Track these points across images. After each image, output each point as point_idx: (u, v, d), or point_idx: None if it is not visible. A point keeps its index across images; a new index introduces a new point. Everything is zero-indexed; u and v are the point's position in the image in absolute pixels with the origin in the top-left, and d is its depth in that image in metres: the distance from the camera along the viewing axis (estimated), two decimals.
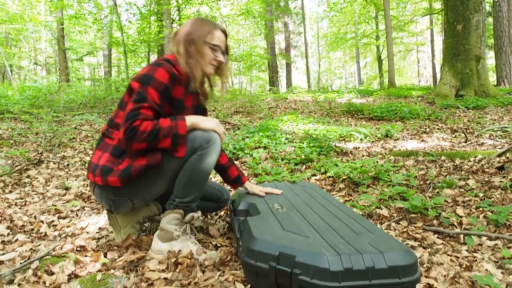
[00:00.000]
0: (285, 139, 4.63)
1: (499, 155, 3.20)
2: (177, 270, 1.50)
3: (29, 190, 2.94)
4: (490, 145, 4.14)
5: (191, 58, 1.65)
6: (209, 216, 2.29)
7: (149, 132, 1.46)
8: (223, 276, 1.46)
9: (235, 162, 3.83)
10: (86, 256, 1.64)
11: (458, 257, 1.63)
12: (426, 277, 1.43)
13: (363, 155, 4.04)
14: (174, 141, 1.51)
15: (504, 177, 2.67)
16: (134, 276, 1.46)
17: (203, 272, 1.51)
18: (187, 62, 1.64)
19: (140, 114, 1.47)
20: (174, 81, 1.59)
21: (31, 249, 1.77)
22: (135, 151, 1.54)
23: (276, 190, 2.05)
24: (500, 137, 4.52)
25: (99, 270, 1.50)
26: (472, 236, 1.81)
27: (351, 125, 6.28)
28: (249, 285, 1.37)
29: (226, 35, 1.75)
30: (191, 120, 1.58)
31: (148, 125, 1.47)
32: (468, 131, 5.13)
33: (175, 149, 1.54)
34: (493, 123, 5.57)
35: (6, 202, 2.60)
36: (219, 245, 1.79)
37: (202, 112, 1.82)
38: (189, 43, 1.65)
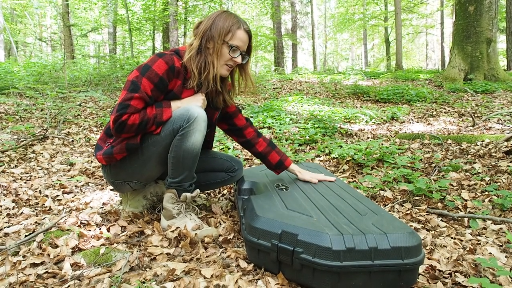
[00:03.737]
0: (290, 120, 4.60)
1: (507, 140, 3.16)
2: (180, 246, 1.51)
3: (34, 165, 2.95)
4: (498, 129, 4.09)
5: (206, 56, 1.57)
6: (212, 194, 2.29)
7: (138, 124, 1.50)
8: (225, 253, 1.47)
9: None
10: (89, 230, 1.66)
11: (461, 240, 1.63)
12: (429, 259, 1.43)
13: (368, 137, 4.02)
14: (158, 127, 1.55)
15: (511, 161, 2.64)
16: (137, 251, 1.47)
17: (206, 248, 1.52)
18: (193, 57, 1.57)
19: (129, 106, 1.48)
20: (172, 73, 1.55)
21: (35, 222, 1.78)
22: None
23: (330, 177, 1.93)
24: (509, 121, 4.46)
25: (103, 244, 1.52)
26: (476, 219, 1.79)
27: (356, 107, 6.22)
28: (251, 264, 1.38)
29: (250, 35, 1.62)
30: (176, 104, 1.58)
31: (136, 118, 1.49)
32: (475, 115, 5.06)
33: None
34: (502, 108, 5.49)
35: (12, 176, 2.61)
36: (222, 222, 1.80)
37: (212, 111, 1.77)
38: (207, 39, 1.57)
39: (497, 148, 3.01)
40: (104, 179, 1.79)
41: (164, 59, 1.53)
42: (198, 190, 1.70)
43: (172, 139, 1.56)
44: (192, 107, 1.56)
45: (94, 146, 3.65)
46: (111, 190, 1.91)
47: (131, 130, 1.51)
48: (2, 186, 2.39)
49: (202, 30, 1.58)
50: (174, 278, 1.26)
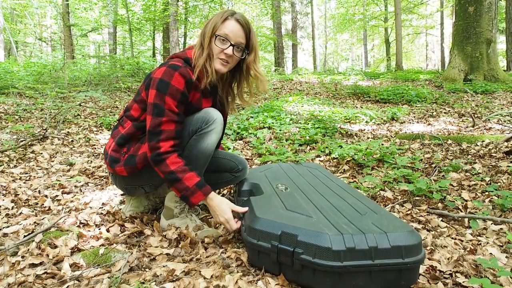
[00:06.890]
0: (290, 120, 4.59)
1: (507, 140, 3.16)
2: (180, 246, 1.50)
3: (33, 165, 2.95)
4: (498, 130, 4.09)
5: (203, 53, 1.53)
6: None
7: (171, 171, 1.45)
8: (225, 253, 1.47)
9: (239, 141, 3.82)
10: (89, 230, 1.65)
11: (462, 241, 1.62)
12: (429, 259, 1.42)
13: (368, 137, 4.01)
14: (181, 199, 1.50)
15: (511, 162, 2.64)
16: (137, 251, 1.46)
17: (206, 249, 1.51)
18: (199, 55, 1.53)
19: (162, 132, 1.45)
20: (190, 87, 1.53)
21: (35, 222, 1.77)
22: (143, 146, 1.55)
23: None
24: (509, 122, 4.45)
25: (102, 245, 1.51)
26: (477, 220, 1.79)
27: (356, 107, 6.21)
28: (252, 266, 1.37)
29: (244, 26, 1.53)
30: (212, 199, 1.50)
31: (174, 162, 1.46)
32: (475, 115, 5.06)
33: None
34: (502, 108, 5.49)
35: (11, 176, 2.61)
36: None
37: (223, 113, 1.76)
38: (203, 36, 1.54)
39: (497, 149, 3.01)
40: (114, 183, 1.77)
41: (181, 72, 1.48)
42: None
43: (188, 140, 1.55)
44: (211, 110, 1.57)
45: (93, 146, 3.64)
46: (121, 195, 1.90)
47: (163, 170, 1.46)
48: (1, 186, 2.38)
49: (202, 29, 1.57)
50: (174, 279, 1.25)
